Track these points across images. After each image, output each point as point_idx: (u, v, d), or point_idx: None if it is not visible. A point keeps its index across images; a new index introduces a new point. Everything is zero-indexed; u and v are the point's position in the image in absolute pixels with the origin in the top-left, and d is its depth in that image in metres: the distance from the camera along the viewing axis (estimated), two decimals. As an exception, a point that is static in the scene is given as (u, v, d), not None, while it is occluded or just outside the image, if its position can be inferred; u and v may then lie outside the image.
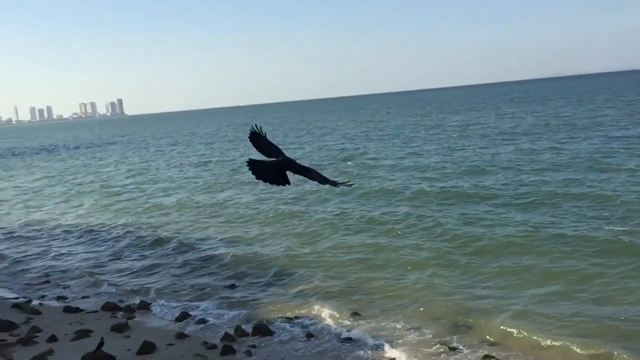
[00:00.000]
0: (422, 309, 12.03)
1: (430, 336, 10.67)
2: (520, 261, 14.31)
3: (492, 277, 13.56)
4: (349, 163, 37.00)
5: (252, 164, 4.19)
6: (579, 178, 23.89)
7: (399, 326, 11.26)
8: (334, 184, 4.23)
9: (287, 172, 4.23)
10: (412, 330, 11.00)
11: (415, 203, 22.41)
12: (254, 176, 4.16)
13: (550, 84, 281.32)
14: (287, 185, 4.30)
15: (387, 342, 10.53)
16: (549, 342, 10.00)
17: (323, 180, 4.20)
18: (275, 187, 4.36)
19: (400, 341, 10.60)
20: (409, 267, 14.69)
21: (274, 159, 4.26)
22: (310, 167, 4.24)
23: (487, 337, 10.49)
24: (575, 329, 10.53)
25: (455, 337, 10.59)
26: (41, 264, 18.13)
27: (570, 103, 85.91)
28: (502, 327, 10.70)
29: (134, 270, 16.70)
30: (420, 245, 16.47)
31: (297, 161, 4.33)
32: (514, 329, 10.58)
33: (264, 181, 4.19)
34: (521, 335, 10.35)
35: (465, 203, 21.56)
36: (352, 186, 4.48)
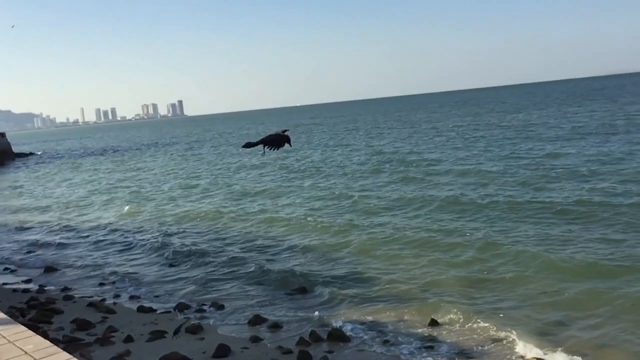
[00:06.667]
0: (501, 316, 11.50)
1: (519, 347, 10.04)
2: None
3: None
4: (401, 168, 35.62)
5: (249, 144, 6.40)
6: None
7: (479, 336, 10.71)
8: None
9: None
10: (497, 341, 10.41)
11: (466, 214, 20.82)
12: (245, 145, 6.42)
13: (613, 81, 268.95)
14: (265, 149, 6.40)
15: (468, 352, 10.05)
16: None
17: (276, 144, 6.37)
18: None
19: (482, 349, 10.12)
20: (480, 279, 13.92)
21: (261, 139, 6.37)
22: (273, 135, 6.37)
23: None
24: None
25: (545, 349, 9.93)
26: (106, 268, 18.11)
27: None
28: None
29: (199, 275, 16.32)
30: (479, 258, 15.47)
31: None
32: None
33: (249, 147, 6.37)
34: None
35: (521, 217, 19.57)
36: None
